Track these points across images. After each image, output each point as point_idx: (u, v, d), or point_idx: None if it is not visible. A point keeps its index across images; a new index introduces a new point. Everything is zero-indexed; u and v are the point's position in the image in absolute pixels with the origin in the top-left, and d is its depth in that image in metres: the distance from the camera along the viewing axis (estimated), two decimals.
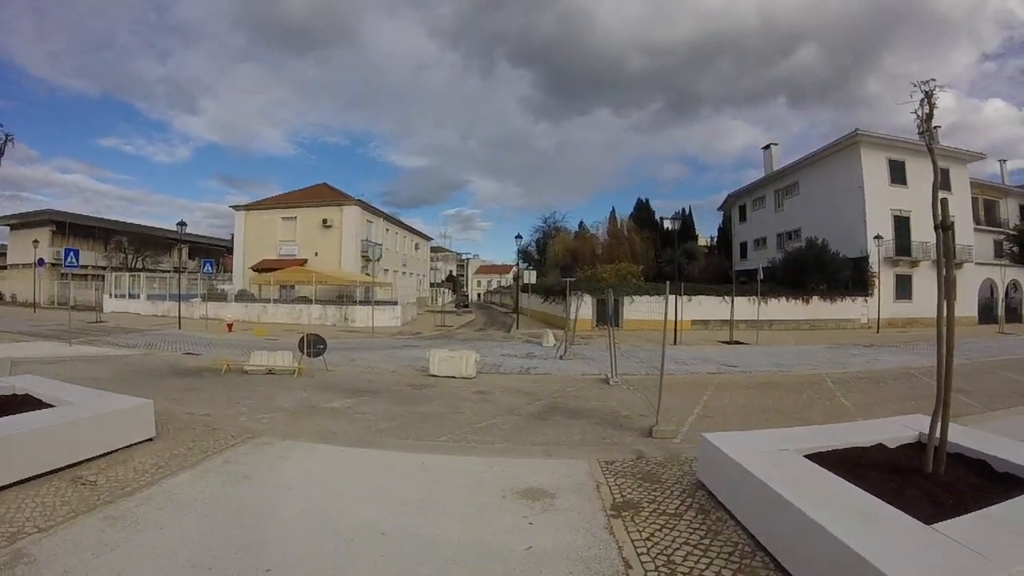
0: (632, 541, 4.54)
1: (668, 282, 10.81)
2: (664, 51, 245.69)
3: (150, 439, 6.95)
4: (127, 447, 6.56)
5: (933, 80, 5.26)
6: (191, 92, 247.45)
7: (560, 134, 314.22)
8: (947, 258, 5.09)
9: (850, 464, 5.02)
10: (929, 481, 4.63)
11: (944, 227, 5.08)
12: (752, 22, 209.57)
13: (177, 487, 5.47)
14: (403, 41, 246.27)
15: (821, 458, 5.14)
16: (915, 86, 5.33)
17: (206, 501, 5.13)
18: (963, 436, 5.14)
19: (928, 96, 5.27)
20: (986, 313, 38.64)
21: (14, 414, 6.13)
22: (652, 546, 4.45)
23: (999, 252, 42.93)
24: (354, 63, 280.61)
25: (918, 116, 5.42)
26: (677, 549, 4.39)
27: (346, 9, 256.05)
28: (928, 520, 3.75)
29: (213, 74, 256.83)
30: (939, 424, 4.84)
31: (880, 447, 5.61)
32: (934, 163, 5.43)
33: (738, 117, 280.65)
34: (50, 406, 6.78)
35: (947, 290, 4.95)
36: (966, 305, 38.32)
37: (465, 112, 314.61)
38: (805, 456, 5.16)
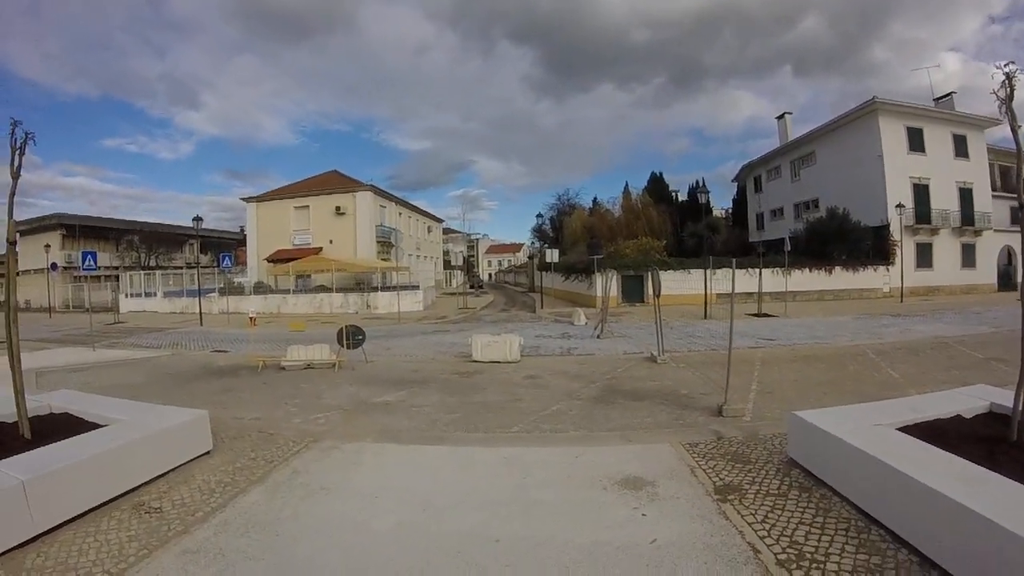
0: (749, 525, 4.43)
1: (734, 259, 10.57)
2: (666, 23, 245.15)
3: (207, 452, 6.49)
4: (185, 463, 6.09)
5: (1012, 63, 5.17)
6: (191, 87, 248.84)
7: (563, 112, 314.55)
8: None
9: (938, 435, 5.06)
10: (1016, 449, 4.71)
11: None
12: None
13: (253, 507, 5.00)
14: (400, 24, 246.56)
15: (911, 430, 5.20)
16: (997, 68, 5.24)
17: (290, 520, 4.69)
18: None
19: (1009, 78, 5.16)
20: (1004, 280, 38.38)
21: (58, 439, 5.54)
22: (771, 528, 4.37)
23: (1015, 218, 42.36)
24: (352, 49, 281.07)
25: (999, 97, 5.25)
26: (795, 529, 4.33)
27: None
28: None
29: (211, 68, 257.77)
30: (1022, 396, 4.88)
31: (958, 418, 5.68)
32: (1018, 144, 5.34)
33: (743, 88, 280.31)
34: (95, 425, 6.25)
35: None
36: (986, 272, 38.51)
37: (467, 93, 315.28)
38: (897, 429, 5.20)
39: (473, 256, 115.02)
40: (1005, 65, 5.17)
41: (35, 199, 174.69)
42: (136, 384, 11.54)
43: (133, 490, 5.36)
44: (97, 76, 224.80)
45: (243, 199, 45.88)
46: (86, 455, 5.12)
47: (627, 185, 58.75)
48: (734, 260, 10.57)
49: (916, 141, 36.92)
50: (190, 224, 29.83)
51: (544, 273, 40.18)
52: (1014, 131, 5.29)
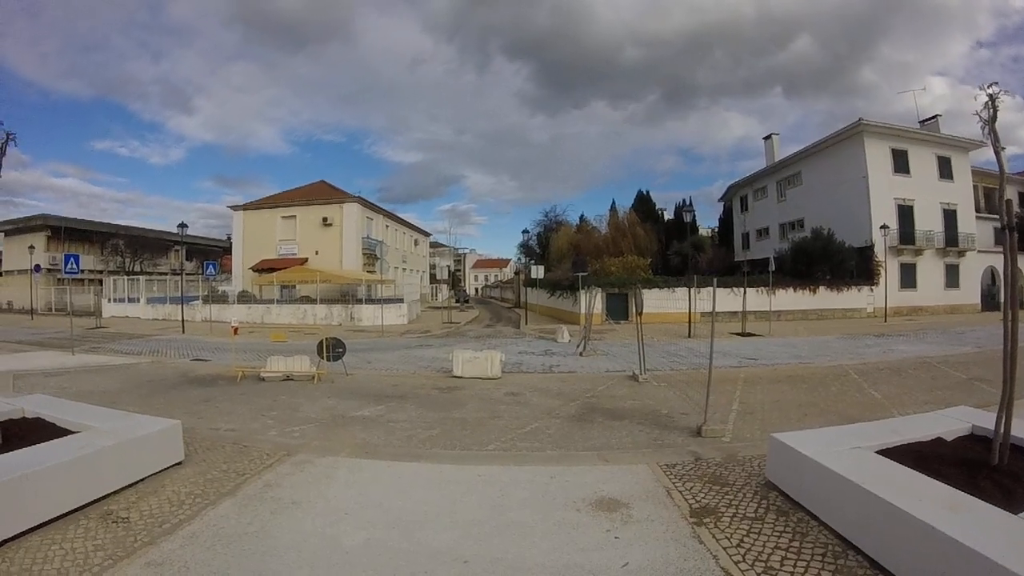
0: (724, 549, 4.37)
1: (715, 278, 10.55)
2: (660, 42, 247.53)
3: (179, 463, 6.40)
4: (156, 473, 6.00)
5: (995, 84, 5.17)
6: (185, 92, 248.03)
7: (556, 127, 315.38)
8: (1012, 259, 5.04)
9: (918, 458, 5.02)
10: (997, 472, 4.66)
11: (1010, 228, 5.00)
12: (748, 12, 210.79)
13: (221, 520, 4.92)
14: (397, 36, 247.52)
15: (891, 453, 5.14)
16: (980, 89, 5.24)
17: (258, 535, 4.61)
18: (1015, 427, 5.02)
19: (992, 99, 5.17)
20: (988, 300, 38.63)
21: (29, 444, 5.50)
22: (745, 553, 4.31)
23: (998, 239, 42.72)
24: (348, 59, 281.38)
25: (981, 119, 5.27)
26: (771, 554, 4.26)
27: (339, 4, 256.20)
28: (1014, 510, 3.84)
29: (207, 73, 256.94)
30: (1004, 418, 4.86)
31: (939, 440, 5.63)
32: (1000, 166, 5.44)
33: (733, 108, 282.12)
34: (66, 431, 6.18)
35: (1012, 290, 5.01)
36: (970, 293, 38.89)
37: (460, 106, 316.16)
38: (876, 452, 5.16)
39: (460, 271, 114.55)
40: (988, 86, 5.17)
41: (24, 198, 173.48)
42: (113, 391, 11.44)
43: (102, 498, 5.29)
44: (92, 77, 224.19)
45: (230, 207, 45.56)
46: (56, 461, 5.04)
47: (614, 203, 59.22)
48: (715, 279, 10.55)
49: (901, 163, 37.36)
50: (176, 230, 29.48)
51: (530, 289, 40.16)
52: (996, 152, 5.32)
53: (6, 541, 4.39)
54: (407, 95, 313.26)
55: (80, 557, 4.24)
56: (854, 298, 35.10)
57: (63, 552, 4.31)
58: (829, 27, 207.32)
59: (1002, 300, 5.01)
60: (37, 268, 39.19)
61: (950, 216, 38.41)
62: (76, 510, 5.01)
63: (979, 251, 38.53)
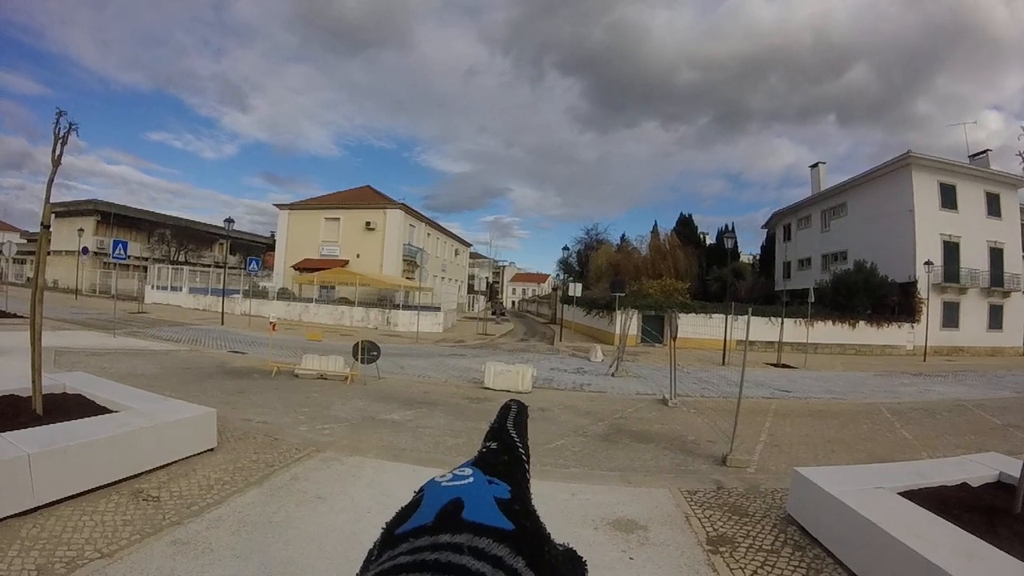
0: None
1: (750, 307, 10.45)
2: (715, 65, 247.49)
3: (211, 449, 6.60)
4: (188, 457, 6.20)
5: None
6: (242, 90, 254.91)
7: (605, 145, 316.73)
8: None
9: (941, 502, 4.94)
10: (1019, 522, 4.58)
11: None
12: (806, 38, 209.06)
13: (248, 507, 5.08)
14: (454, 46, 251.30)
15: (914, 496, 5.07)
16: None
17: (282, 525, 4.74)
18: None
19: None
20: None
21: (69, 419, 5.74)
22: None
23: None
24: (404, 66, 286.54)
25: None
26: None
27: (399, 12, 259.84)
28: None
29: (265, 73, 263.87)
30: None
31: (964, 486, 5.53)
32: None
33: (784, 134, 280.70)
34: (105, 409, 6.45)
35: None
36: (1013, 335, 37.58)
37: (511, 119, 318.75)
38: (899, 494, 5.07)
39: (498, 283, 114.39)
40: None
41: (76, 182, 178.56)
42: (151, 375, 11.77)
43: (134, 476, 5.51)
44: (153, 70, 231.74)
45: (277, 205, 46.27)
46: (93, 437, 5.28)
47: (656, 224, 58.63)
48: (750, 308, 10.48)
49: (948, 198, 36.51)
50: (222, 224, 30.26)
51: (566, 306, 40.12)
52: None
53: (39, 508, 4.60)
54: (459, 105, 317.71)
55: (109, 530, 4.43)
56: (894, 335, 34.38)
57: (93, 524, 4.50)
58: (886, 56, 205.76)
59: None
60: (85, 250, 40.19)
61: (996, 255, 37.37)
62: (108, 485, 5.22)
63: None
